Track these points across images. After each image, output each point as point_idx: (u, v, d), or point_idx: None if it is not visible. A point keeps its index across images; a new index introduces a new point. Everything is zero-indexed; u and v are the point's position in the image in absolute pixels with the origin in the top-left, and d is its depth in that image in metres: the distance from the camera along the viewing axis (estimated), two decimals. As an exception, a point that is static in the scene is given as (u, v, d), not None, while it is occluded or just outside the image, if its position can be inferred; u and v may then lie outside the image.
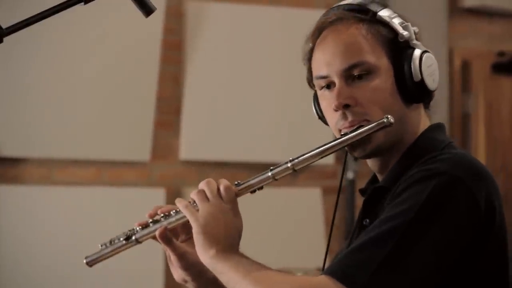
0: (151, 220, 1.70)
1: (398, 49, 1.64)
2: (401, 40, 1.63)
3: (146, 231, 1.70)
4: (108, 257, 1.78)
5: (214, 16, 4.45)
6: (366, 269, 1.43)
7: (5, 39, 1.45)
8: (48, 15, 1.47)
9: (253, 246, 5.14)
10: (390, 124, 1.55)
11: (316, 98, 1.74)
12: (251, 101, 4.49)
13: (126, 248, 1.74)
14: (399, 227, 1.45)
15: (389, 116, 1.55)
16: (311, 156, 1.62)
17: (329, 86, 1.66)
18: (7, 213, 4.03)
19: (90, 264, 1.82)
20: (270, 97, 4.52)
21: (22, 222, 4.04)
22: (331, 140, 1.62)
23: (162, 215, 1.69)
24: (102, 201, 4.14)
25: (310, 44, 1.72)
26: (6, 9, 3.77)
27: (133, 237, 1.72)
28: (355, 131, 1.59)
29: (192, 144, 4.40)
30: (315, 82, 1.70)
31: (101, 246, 1.80)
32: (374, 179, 1.73)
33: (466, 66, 4.96)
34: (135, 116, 4.28)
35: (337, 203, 1.80)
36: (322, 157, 1.62)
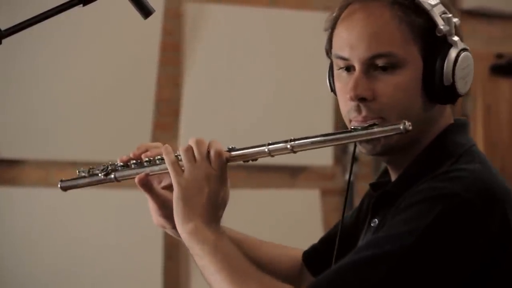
0: (134, 161, 1.60)
1: (433, 44, 1.45)
2: (438, 35, 1.44)
3: (126, 172, 1.60)
4: (84, 187, 1.66)
5: (213, 17, 4.45)
6: None
7: (4, 41, 1.45)
8: (47, 17, 1.47)
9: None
10: (406, 131, 1.37)
11: (331, 69, 1.56)
12: (249, 103, 4.49)
13: (103, 183, 1.64)
14: (397, 252, 1.32)
15: (406, 123, 1.37)
16: (314, 142, 1.45)
17: (349, 68, 1.48)
18: (5, 215, 4.02)
19: (64, 188, 1.69)
20: (268, 98, 4.52)
21: (20, 224, 4.04)
22: (339, 131, 1.47)
23: (146, 159, 1.57)
24: (101, 203, 4.14)
25: (335, 13, 1.51)
26: (5, 11, 3.77)
27: (113, 175, 1.62)
28: (366, 129, 1.42)
29: (191, 145, 4.39)
30: (334, 59, 1.51)
31: (78, 172, 1.67)
32: (385, 173, 1.60)
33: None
34: (133, 118, 4.28)
35: (345, 206, 1.68)
36: (324, 146, 1.47)
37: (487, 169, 1.45)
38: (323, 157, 4.50)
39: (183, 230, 1.46)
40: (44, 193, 4.12)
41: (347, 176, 4.58)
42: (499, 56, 5.04)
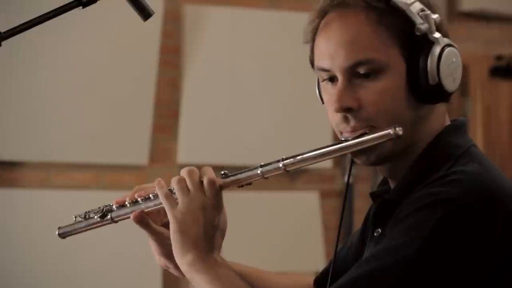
0: (129, 200, 1.58)
1: (414, 44, 1.39)
2: (418, 34, 1.39)
3: (122, 211, 1.59)
4: (81, 232, 1.64)
5: (212, 20, 4.45)
6: None
7: (4, 43, 1.45)
8: (47, 19, 1.47)
9: (251, 249, 5.15)
10: (398, 136, 1.35)
11: (319, 82, 1.52)
12: (249, 105, 4.49)
13: (100, 226, 1.62)
14: (399, 264, 1.28)
15: (397, 128, 1.34)
16: (306, 159, 1.43)
17: (332, 79, 1.44)
18: (5, 217, 4.02)
19: (62, 236, 1.66)
20: (268, 101, 4.53)
21: (20, 226, 4.04)
22: (330, 144, 1.45)
23: (141, 198, 1.56)
24: (100, 205, 4.13)
25: (313, 24, 1.48)
26: (5, 13, 3.77)
27: (109, 216, 1.61)
28: (357, 139, 1.39)
29: (190, 148, 4.40)
30: (317, 72, 1.47)
31: (75, 218, 1.64)
32: (385, 181, 1.56)
33: (464, 70, 4.94)
34: (133, 120, 4.28)
35: (343, 209, 1.66)
36: (319, 162, 1.44)
37: (486, 168, 1.40)
38: (323, 159, 4.49)
39: (182, 262, 1.44)
40: (44, 195, 4.12)
41: (346, 179, 4.58)
42: (499, 58, 5.05)
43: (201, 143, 4.41)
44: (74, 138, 4.17)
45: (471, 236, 1.30)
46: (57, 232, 1.65)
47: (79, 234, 1.66)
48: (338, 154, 1.43)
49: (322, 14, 1.46)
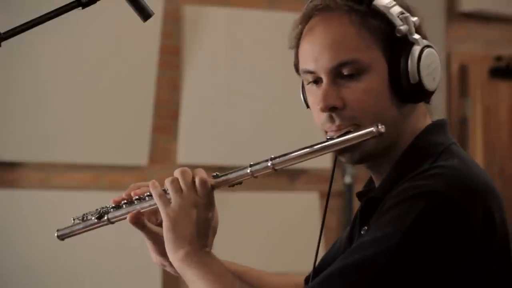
0: (125, 201, 1.64)
1: (395, 45, 1.46)
2: (398, 35, 1.46)
3: (118, 212, 1.64)
4: (80, 233, 1.70)
5: (212, 21, 4.45)
6: None
7: (3, 43, 1.45)
8: (46, 20, 1.47)
9: (251, 249, 5.15)
10: (380, 134, 1.40)
11: (303, 87, 1.59)
12: (248, 106, 4.49)
13: (98, 227, 1.67)
14: (382, 254, 1.33)
15: (379, 125, 1.41)
16: (293, 158, 1.50)
17: (317, 81, 1.50)
18: (5, 217, 4.02)
19: (61, 238, 1.72)
20: (268, 101, 4.53)
21: (20, 227, 4.04)
22: (317, 142, 1.51)
23: (136, 197, 1.61)
24: (100, 206, 4.13)
25: (297, 30, 1.56)
26: (4, 13, 3.77)
27: (105, 217, 1.66)
28: (341, 137, 1.45)
29: (190, 148, 4.40)
30: (302, 75, 1.55)
31: (73, 220, 1.71)
32: (371, 181, 1.61)
33: (463, 71, 4.97)
34: (133, 120, 4.28)
35: (326, 208, 1.72)
36: (305, 160, 1.51)
37: (466, 164, 1.45)
38: (322, 159, 4.45)
39: (175, 258, 1.49)
40: (43, 196, 4.12)
41: (346, 179, 4.58)
42: (498, 58, 5.05)
43: (201, 143, 4.41)
44: (74, 138, 4.17)
45: (452, 227, 1.34)
46: (56, 234, 1.71)
47: (77, 236, 1.71)
48: (323, 153, 1.49)
49: (306, 19, 1.54)
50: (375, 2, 1.46)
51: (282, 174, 4.51)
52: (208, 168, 4.74)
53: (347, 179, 4.57)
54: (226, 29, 4.48)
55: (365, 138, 1.42)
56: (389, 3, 1.47)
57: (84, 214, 1.70)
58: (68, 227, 1.71)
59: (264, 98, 4.51)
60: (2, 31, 1.45)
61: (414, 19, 1.48)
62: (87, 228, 1.68)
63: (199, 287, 1.46)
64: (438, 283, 1.35)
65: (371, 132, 1.41)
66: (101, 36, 4.21)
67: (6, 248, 4.01)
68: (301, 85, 1.60)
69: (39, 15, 1.47)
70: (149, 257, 1.67)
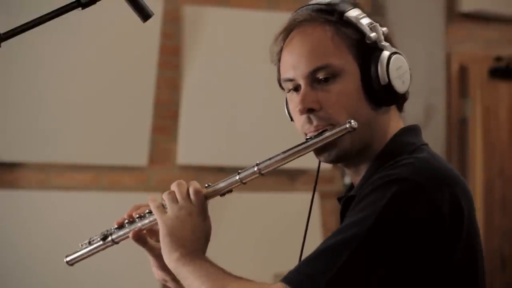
0: (127, 221, 1.74)
1: (365, 51, 1.60)
2: (368, 42, 1.60)
3: (121, 232, 1.74)
4: (88, 257, 1.81)
5: (212, 21, 4.46)
6: (321, 279, 1.42)
7: (3, 44, 1.45)
8: (46, 20, 1.47)
9: (251, 250, 5.14)
10: (353, 129, 1.54)
11: (287, 102, 1.72)
12: (248, 106, 4.49)
13: (104, 248, 1.78)
14: (356, 236, 1.43)
15: (352, 121, 1.54)
16: (277, 161, 1.62)
17: (297, 88, 1.64)
18: (5, 218, 4.02)
19: (70, 263, 1.85)
20: (267, 102, 4.53)
21: (20, 227, 4.04)
22: (297, 144, 1.63)
23: (137, 216, 1.72)
24: (100, 206, 4.14)
25: (279, 45, 1.73)
26: (4, 14, 3.78)
27: (110, 238, 1.75)
28: (319, 136, 1.59)
29: (190, 149, 4.40)
30: (283, 84, 1.69)
31: (81, 245, 1.82)
32: (351, 187, 1.72)
33: (463, 71, 4.97)
34: (132, 121, 4.28)
35: (310, 210, 1.81)
36: (288, 161, 1.62)
37: (436, 159, 1.57)
38: (322, 160, 4.49)
39: (170, 259, 1.59)
40: (43, 196, 4.12)
41: (346, 179, 4.58)
42: (498, 59, 5.05)
43: (201, 144, 4.41)
44: (73, 139, 4.17)
45: (421, 210, 1.46)
46: (65, 260, 1.86)
47: (83, 240, 1.83)
48: (304, 153, 1.61)
49: (286, 34, 1.71)
50: (346, 14, 1.61)
51: (282, 175, 4.51)
52: (208, 168, 4.74)
53: (347, 180, 4.57)
54: (226, 30, 4.49)
55: (340, 134, 1.56)
56: (359, 14, 1.61)
57: (90, 238, 1.80)
58: (76, 252, 1.83)
59: (264, 98, 4.51)
60: (2, 31, 1.45)
61: (384, 29, 1.62)
62: (94, 251, 1.79)
63: (192, 282, 1.54)
64: (410, 261, 1.44)
65: (345, 128, 1.54)
66: (101, 36, 4.21)
67: (6, 248, 4.01)
68: (285, 99, 1.73)
69: (39, 16, 1.47)
70: (149, 271, 1.75)
